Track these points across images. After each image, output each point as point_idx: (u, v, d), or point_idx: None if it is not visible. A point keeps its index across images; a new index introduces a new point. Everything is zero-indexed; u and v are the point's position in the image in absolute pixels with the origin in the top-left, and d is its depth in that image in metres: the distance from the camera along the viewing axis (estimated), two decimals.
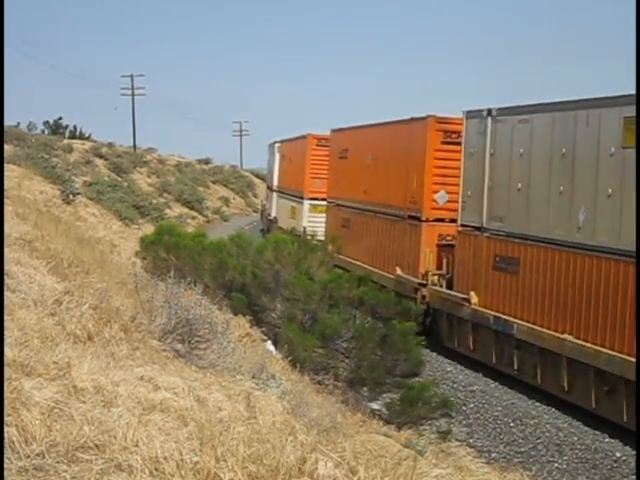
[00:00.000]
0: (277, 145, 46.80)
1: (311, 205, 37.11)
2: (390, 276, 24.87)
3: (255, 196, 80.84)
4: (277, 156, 46.47)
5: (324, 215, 34.15)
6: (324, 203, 34.35)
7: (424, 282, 22.90)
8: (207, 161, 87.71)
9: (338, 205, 31.55)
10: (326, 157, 34.60)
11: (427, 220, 23.64)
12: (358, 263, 27.52)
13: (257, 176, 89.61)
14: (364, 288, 16.03)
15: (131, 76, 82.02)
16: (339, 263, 27.68)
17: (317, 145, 36.91)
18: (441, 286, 22.51)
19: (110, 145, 69.65)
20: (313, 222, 35.72)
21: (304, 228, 35.24)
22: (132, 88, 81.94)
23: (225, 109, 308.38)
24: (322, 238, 31.58)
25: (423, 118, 24.01)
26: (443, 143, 23.47)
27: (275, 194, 46.02)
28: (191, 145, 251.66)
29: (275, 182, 46.45)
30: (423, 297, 22.73)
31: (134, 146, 78.42)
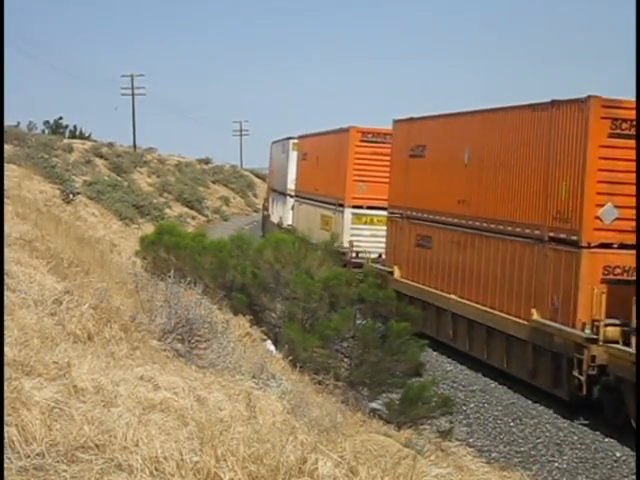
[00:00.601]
0: (292, 142, 39.93)
1: (354, 215, 30.23)
2: (520, 321, 18.54)
3: (255, 196, 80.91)
4: (293, 155, 39.60)
5: (372, 227, 29.23)
6: (375, 213, 29.24)
7: (594, 336, 16.19)
8: (207, 161, 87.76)
9: (409, 218, 25.03)
10: (373, 155, 29.44)
11: (588, 245, 16.82)
12: (449, 296, 21.81)
13: (257, 176, 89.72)
14: (364, 285, 16.00)
15: (131, 76, 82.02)
16: (411, 292, 23.66)
17: (362, 141, 30.21)
18: (626, 344, 15.55)
19: (110, 145, 69.67)
20: (357, 235, 29.71)
21: (350, 243, 29.35)
22: (132, 88, 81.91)
23: (225, 109, 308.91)
24: (372, 255, 27.50)
25: (578, 100, 17.37)
26: (611, 136, 16.93)
27: (291, 199, 39.50)
28: (191, 145, 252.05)
29: (290, 185, 39.75)
30: (593, 358, 16.17)
31: (134, 146, 78.40)
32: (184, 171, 73.90)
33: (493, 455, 14.78)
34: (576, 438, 15.73)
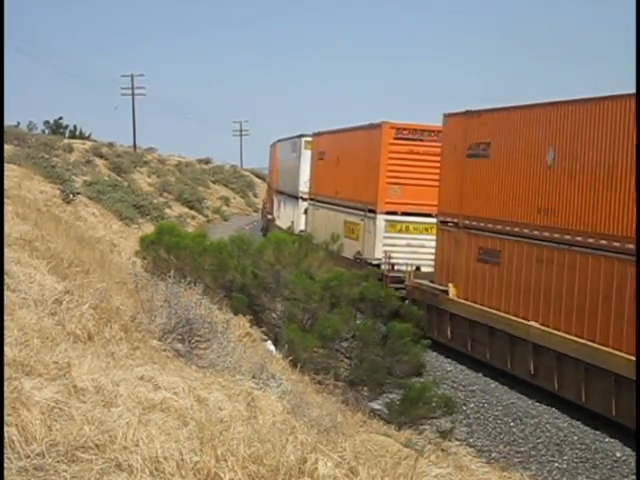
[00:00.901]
0: (305, 140, 36.83)
1: (387, 222, 26.51)
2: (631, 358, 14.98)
3: (255, 196, 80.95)
4: (306, 154, 36.37)
5: (408, 236, 26.06)
6: (411, 220, 26.19)
7: None
8: (207, 161, 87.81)
9: (467, 228, 21.43)
10: (409, 155, 26.23)
11: None
12: (529, 324, 18.19)
13: (257, 176, 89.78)
14: (365, 284, 15.98)
15: (131, 76, 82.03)
16: (472, 315, 20.60)
17: (396, 138, 26.59)
18: None
19: (110, 145, 69.69)
20: (391, 245, 26.16)
21: (387, 254, 25.76)
22: (132, 88, 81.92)
23: (225, 109, 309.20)
24: (409, 268, 24.66)
25: None
26: None
27: (304, 203, 36.37)
28: (191, 145, 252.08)
29: (303, 187, 36.53)
30: None
31: (134, 146, 78.42)
32: (184, 171, 73.93)
33: (493, 455, 14.78)
34: (576, 438, 15.73)
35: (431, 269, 23.98)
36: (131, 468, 5.10)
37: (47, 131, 74.58)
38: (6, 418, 5.36)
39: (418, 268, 24.88)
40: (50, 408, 5.76)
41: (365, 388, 14.78)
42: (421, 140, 26.40)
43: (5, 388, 5.78)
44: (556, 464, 14.67)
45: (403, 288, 23.62)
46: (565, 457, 14.94)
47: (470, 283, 21.00)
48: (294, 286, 15.87)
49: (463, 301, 21.16)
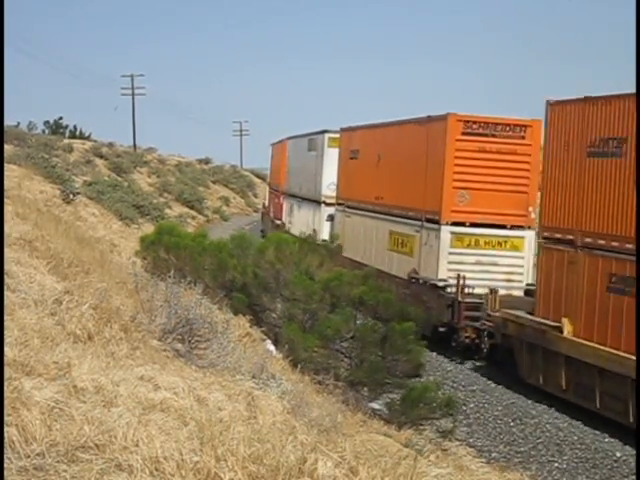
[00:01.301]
0: (329, 136, 32.77)
1: (454, 234, 22.06)
2: None
3: (255, 196, 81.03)
4: (331, 152, 32.23)
5: (478, 252, 21.88)
6: (481, 232, 21.97)
7: None
8: (207, 161, 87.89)
9: (589, 247, 16.81)
10: (479, 153, 22.04)
11: None
12: None
13: (257, 176, 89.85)
14: (365, 287, 15.98)
15: (131, 76, 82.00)
16: (601, 362, 15.95)
17: (464, 133, 22.14)
18: None
19: (110, 145, 69.69)
20: (457, 263, 21.87)
21: (459, 275, 21.22)
22: (132, 88, 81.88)
23: (225, 109, 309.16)
24: (482, 291, 20.77)
25: None
26: None
27: (328, 208, 32.29)
28: (191, 145, 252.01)
29: (326, 191, 32.57)
30: None
31: (134, 146, 78.41)
32: (184, 171, 73.96)
33: (493, 455, 14.79)
34: (576, 438, 15.73)
35: (505, 292, 20.85)
36: (131, 468, 5.10)
37: (47, 131, 74.59)
38: (6, 418, 5.36)
39: (492, 291, 20.61)
40: (50, 408, 5.76)
41: (365, 388, 14.78)
42: (494, 135, 22.19)
43: (5, 388, 5.78)
44: (556, 464, 14.67)
45: (480, 318, 20.52)
46: (565, 457, 14.95)
47: (596, 319, 16.42)
48: (294, 286, 15.87)
49: (586, 342, 16.57)
